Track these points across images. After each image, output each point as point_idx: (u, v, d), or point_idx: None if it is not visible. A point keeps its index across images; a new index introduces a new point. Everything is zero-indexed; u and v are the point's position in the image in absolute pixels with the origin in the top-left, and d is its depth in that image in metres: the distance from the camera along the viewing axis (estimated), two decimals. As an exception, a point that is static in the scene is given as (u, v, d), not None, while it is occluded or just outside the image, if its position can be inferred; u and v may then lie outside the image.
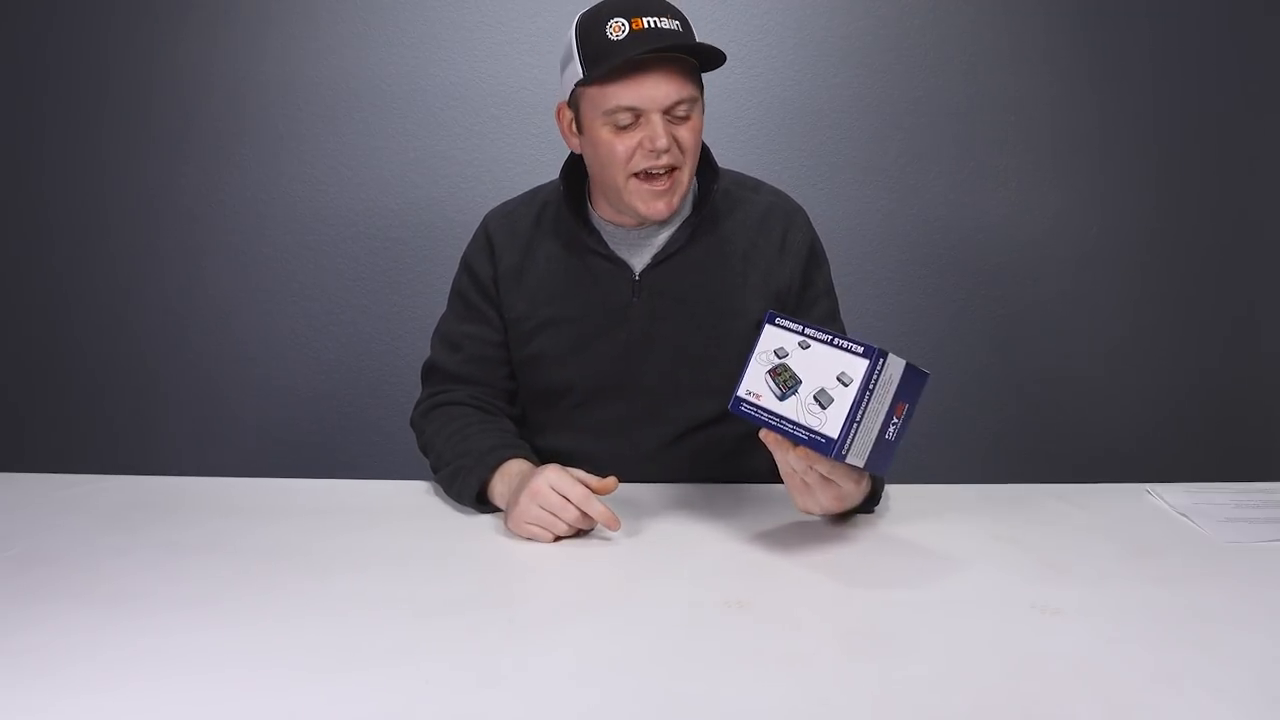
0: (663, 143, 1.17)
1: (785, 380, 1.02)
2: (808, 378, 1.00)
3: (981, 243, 2.20)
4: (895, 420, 1.00)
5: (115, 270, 2.24)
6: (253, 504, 1.22)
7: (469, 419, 1.28)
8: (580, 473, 1.12)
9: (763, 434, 1.03)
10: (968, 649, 0.83)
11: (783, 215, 1.33)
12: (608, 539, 1.10)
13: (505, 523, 1.13)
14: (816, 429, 0.97)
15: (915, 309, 2.22)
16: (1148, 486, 1.26)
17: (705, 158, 1.32)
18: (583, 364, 1.30)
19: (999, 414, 2.24)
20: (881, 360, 0.96)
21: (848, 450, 0.96)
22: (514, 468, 1.17)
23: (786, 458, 1.02)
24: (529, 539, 1.10)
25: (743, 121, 2.15)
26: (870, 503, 1.16)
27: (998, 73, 2.16)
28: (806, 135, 2.17)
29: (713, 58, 1.19)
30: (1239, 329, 2.24)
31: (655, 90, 1.16)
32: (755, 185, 1.37)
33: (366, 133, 2.18)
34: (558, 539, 1.09)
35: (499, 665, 0.80)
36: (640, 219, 1.25)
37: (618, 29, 1.15)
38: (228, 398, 2.26)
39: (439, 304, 1.41)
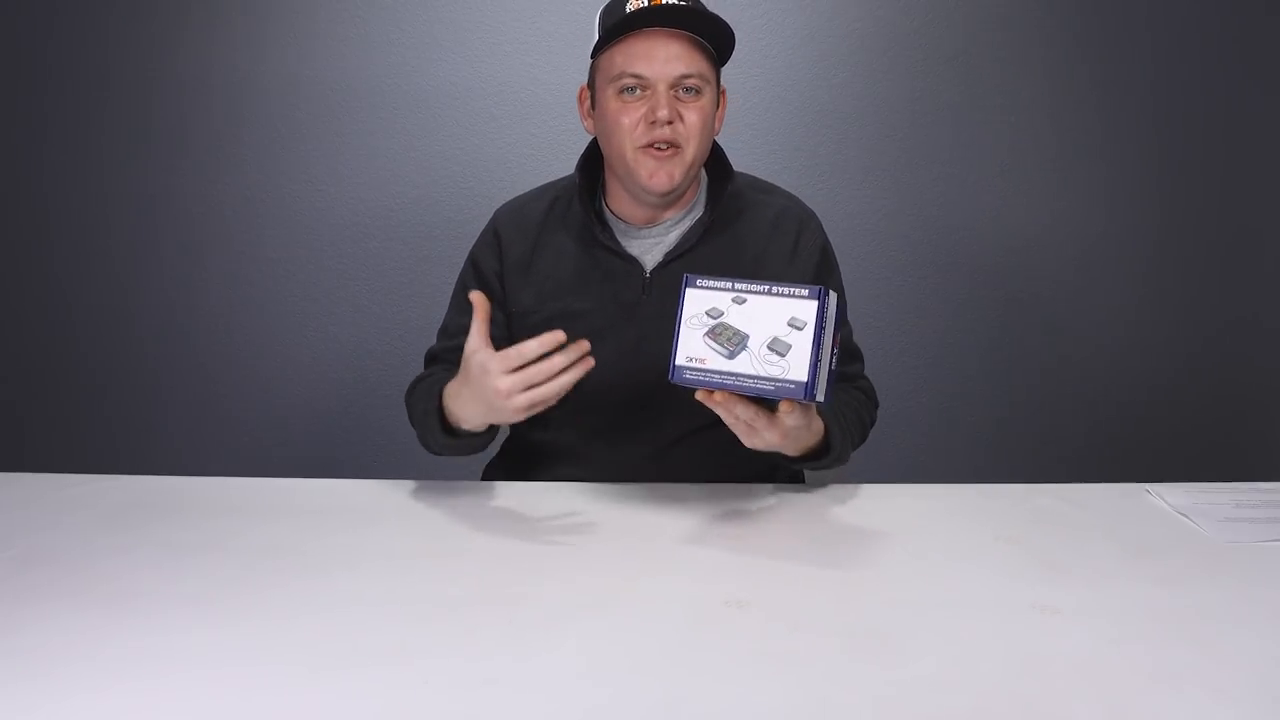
0: (664, 113, 1.19)
1: (729, 338, 1.00)
2: (754, 330, 1.00)
3: (982, 243, 2.21)
4: (835, 350, 1.02)
5: (115, 270, 2.24)
6: (252, 504, 1.22)
7: (436, 376, 1.29)
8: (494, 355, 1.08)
9: (702, 395, 1.02)
10: (968, 649, 0.83)
11: (796, 220, 1.34)
12: (611, 540, 1.09)
13: (503, 418, 1.12)
14: (780, 377, 0.98)
15: (915, 309, 2.22)
16: (1148, 486, 1.26)
17: (720, 159, 1.33)
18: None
19: (999, 413, 2.25)
20: (824, 296, 0.98)
21: (817, 389, 0.98)
22: (451, 388, 1.17)
23: (734, 410, 1.03)
24: (532, 406, 1.07)
25: (743, 121, 2.15)
26: (826, 455, 1.17)
27: (998, 73, 2.16)
28: (806, 135, 2.17)
29: (722, 41, 1.22)
30: (1239, 329, 2.24)
31: (661, 54, 1.19)
32: (769, 188, 1.38)
33: (366, 133, 2.18)
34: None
35: (499, 665, 0.80)
36: (645, 191, 1.25)
37: (637, 2, 1.20)
38: (228, 398, 2.26)
39: (439, 304, 1.41)
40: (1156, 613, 0.90)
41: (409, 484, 1.30)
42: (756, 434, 1.06)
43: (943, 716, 0.73)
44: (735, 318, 1.01)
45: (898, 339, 2.22)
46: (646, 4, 1.19)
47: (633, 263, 1.29)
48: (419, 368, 1.39)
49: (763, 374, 0.98)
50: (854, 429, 1.27)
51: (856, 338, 1.41)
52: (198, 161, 2.20)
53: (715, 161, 1.34)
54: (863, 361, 1.40)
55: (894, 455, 2.18)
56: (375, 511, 1.20)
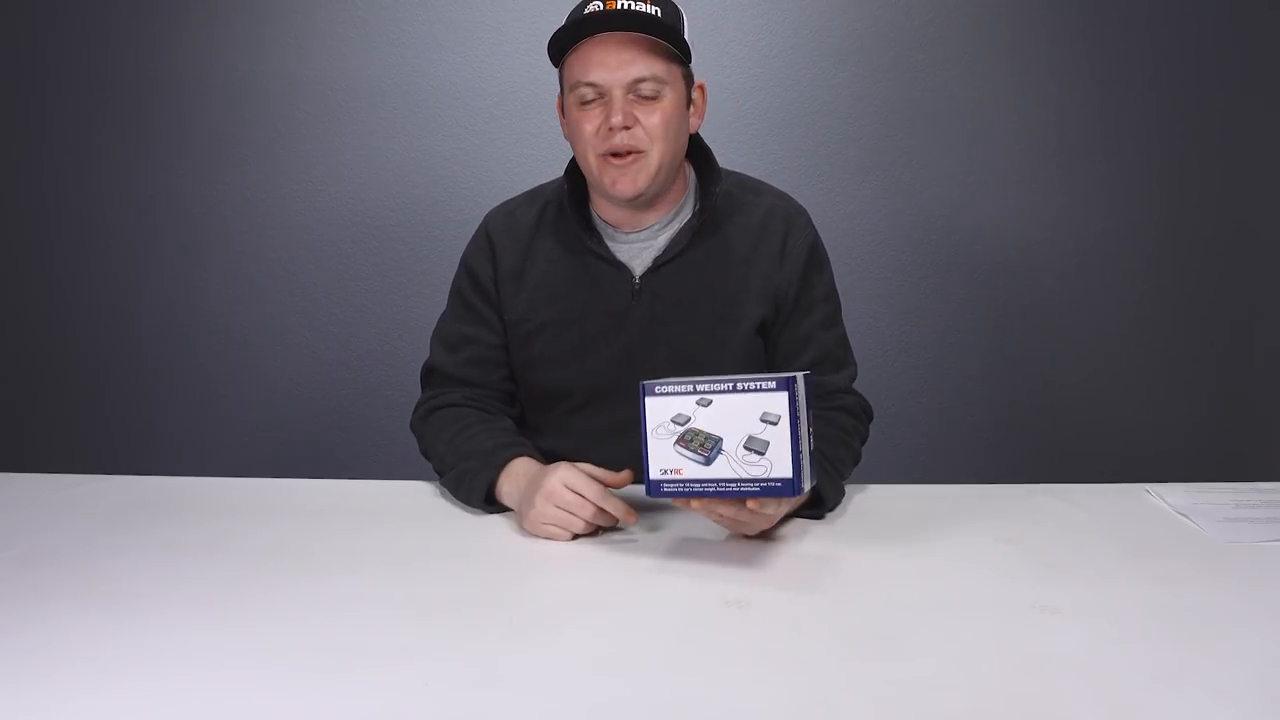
0: (618, 119, 1.18)
1: (702, 443, 0.97)
2: (727, 431, 0.96)
3: (981, 243, 2.21)
4: (810, 430, 0.99)
5: (115, 270, 2.24)
6: (253, 504, 1.22)
7: (468, 419, 1.27)
8: (592, 467, 1.12)
9: (679, 503, 1.01)
10: (968, 649, 0.83)
11: (784, 218, 1.32)
12: (611, 540, 1.10)
13: (520, 524, 1.12)
14: (763, 476, 0.95)
15: (915, 309, 2.22)
16: (1148, 486, 1.26)
17: (707, 160, 1.32)
18: (582, 367, 1.30)
19: (999, 414, 2.24)
20: (793, 386, 0.95)
21: (803, 480, 0.95)
22: (519, 467, 1.17)
23: (717, 510, 1.02)
24: (547, 539, 1.09)
25: (743, 121, 2.15)
26: (820, 507, 1.16)
27: (998, 72, 2.16)
28: (806, 135, 2.17)
29: (679, 39, 1.19)
30: (1239, 329, 2.24)
31: (613, 61, 1.18)
32: (757, 187, 1.36)
33: (366, 133, 2.18)
34: (575, 537, 1.09)
35: (499, 665, 0.80)
36: (612, 200, 1.24)
37: (594, 7, 1.19)
38: (228, 398, 2.26)
39: (439, 304, 1.41)
40: (1156, 613, 0.90)
41: (409, 484, 1.30)
42: (743, 526, 1.06)
43: (943, 716, 0.73)
44: (704, 421, 0.97)
45: (898, 339, 2.22)
46: (602, 6, 1.18)
47: (621, 269, 1.28)
48: (419, 368, 1.39)
49: (745, 475, 0.95)
50: (844, 464, 1.24)
51: (856, 339, 1.39)
52: (198, 161, 2.20)
53: (704, 162, 1.32)
54: (854, 368, 1.36)
55: (894, 455, 2.18)
56: (375, 512, 1.20)
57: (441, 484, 1.26)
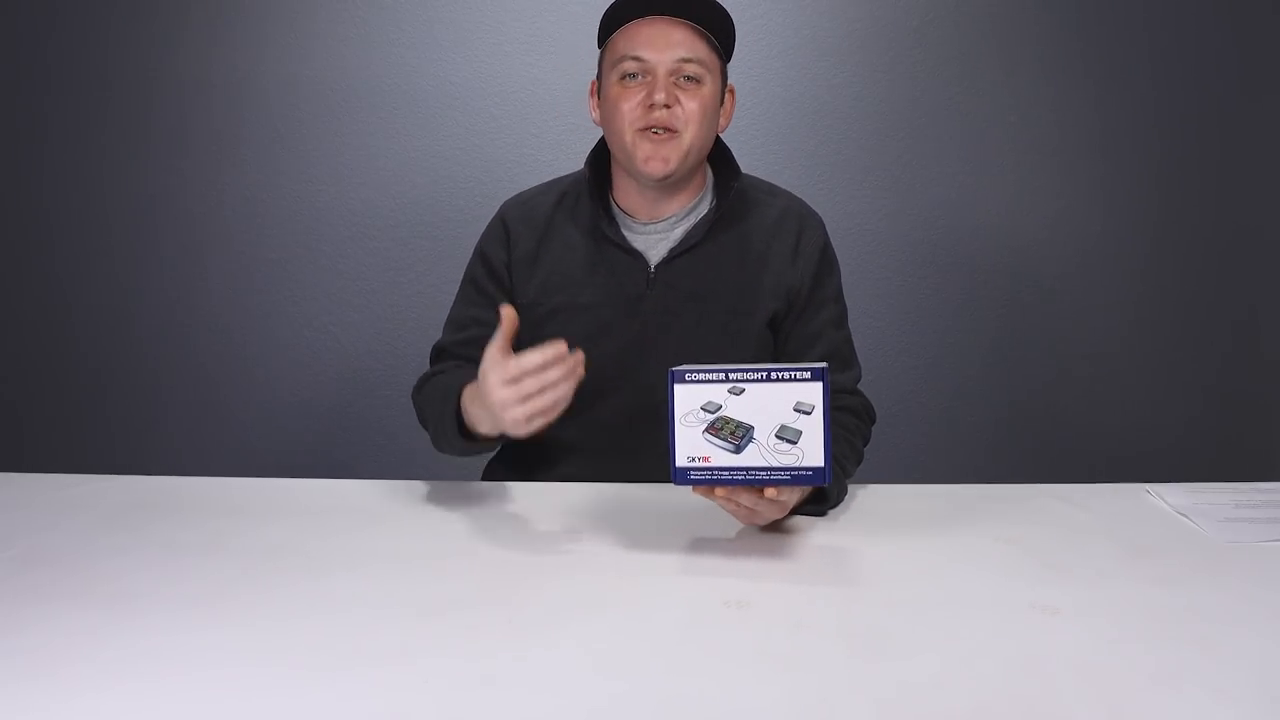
0: (661, 96, 1.21)
1: (732, 431, 0.97)
2: (759, 420, 0.96)
3: (982, 242, 2.21)
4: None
5: (115, 270, 2.24)
6: (253, 504, 1.22)
7: (450, 374, 1.28)
8: (506, 354, 1.06)
9: (700, 491, 1.00)
10: (968, 649, 0.83)
11: (798, 219, 1.35)
12: (611, 540, 1.09)
13: (510, 432, 1.08)
14: (795, 465, 0.95)
15: (915, 309, 2.22)
16: (1148, 486, 1.26)
17: (726, 158, 1.35)
18: (592, 353, 1.30)
19: (999, 414, 2.25)
20: (827, 376, 0.96)
21: (831, 472, 0.96)
22: (468, 394, 1.15)
23: (739, 499, 1.01)
24: (547, 422, 1.05)
25: (743, 121, 2.15)
26: (823, 504, 1.15)
27: (998, 72, 2.17)
28: (806, 135, 2.17)
29: (725, 34, 1.25)
30: (1239, 329, 2.24)
31: (662, 40, 1.21)
32: (772, 189, 1.39)
33: (366, 133, 2.18)
34: (565, 412, 1.05)
35: (499, 665, 0.80)
36: (642, 176, 1.26)
37: None
38: (228, 398, 2.26)
39: (439, 304, 1.42)
40: (1156, 613, 0.90)
41: (409, 484, 1.30)
42: (759, 516, 1.05)
43: (943, 716, 0.73)
44: (735, 409, 0.97)
45: (898, 339, 2.22)
46: None
47: (637, 256, 1.30)
48: (419, 367, 1.39)
49: (776, 464, 0.96)
50: (849, 462, 1.24)
51: (856, 339, 1.40)
52: (198, 161, 2.20)
53: (722, 160, 1.35)
54: (859, 370, 1.37)
55: (894, 455, 2.18)
56: (375, 512, 1.20)
57: (435, 447, 1.25)
